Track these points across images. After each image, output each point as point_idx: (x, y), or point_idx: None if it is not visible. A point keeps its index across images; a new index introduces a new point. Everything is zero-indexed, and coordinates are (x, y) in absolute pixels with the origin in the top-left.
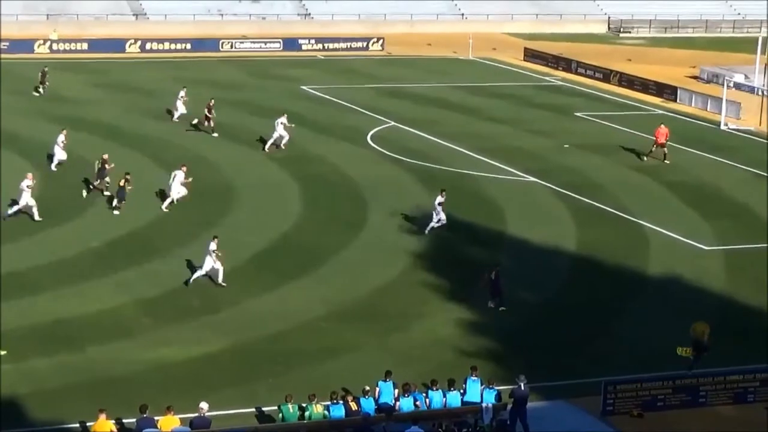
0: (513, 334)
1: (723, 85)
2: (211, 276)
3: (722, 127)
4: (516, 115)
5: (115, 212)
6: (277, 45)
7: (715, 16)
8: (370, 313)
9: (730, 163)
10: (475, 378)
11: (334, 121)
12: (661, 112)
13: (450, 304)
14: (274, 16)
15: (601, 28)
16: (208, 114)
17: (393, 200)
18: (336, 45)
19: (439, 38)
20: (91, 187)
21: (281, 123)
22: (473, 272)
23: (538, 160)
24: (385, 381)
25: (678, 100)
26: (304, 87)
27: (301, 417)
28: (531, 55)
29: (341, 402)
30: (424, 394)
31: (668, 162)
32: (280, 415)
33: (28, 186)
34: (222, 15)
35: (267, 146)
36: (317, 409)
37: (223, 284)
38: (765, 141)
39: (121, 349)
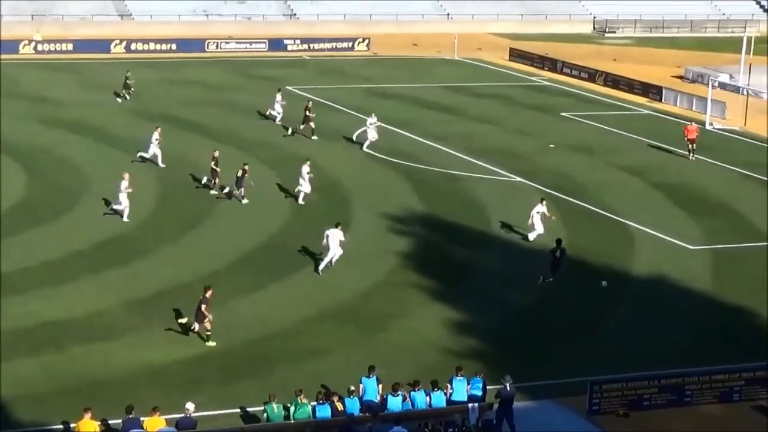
0: (499, 334)
1: (708, 85)
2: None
3: (707, 126)
4: (501, 115)
5: (245, 201)
6: (263, 45)
7: (700, 16)
8: (356, 313)
9: (715, 162)
10: (461, 378)
11: (319, 122)
12: (646, 112)
13: (436, 304)
14: (260, 17)
15: (587, 28)
16: (307, 114)
17: (379, 200)
18: (321, 45)
19: (425, 38)
20: (207, 181)
21: (372, 124)
22: (458, 272)
23: (524, 161)
24: (368, 377)
25: (663, 100)
26: (289, 87)
27: (287, 417)
28: (516, 55)
29: (327, 402)
30: (405, 394)
31: (693, 159)
32: (265, 414)
33: (125, 187)
34: (207, 15)
35: (364, 147)
36: (303, 401)
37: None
38: (750, 141)
39: (107, 351)
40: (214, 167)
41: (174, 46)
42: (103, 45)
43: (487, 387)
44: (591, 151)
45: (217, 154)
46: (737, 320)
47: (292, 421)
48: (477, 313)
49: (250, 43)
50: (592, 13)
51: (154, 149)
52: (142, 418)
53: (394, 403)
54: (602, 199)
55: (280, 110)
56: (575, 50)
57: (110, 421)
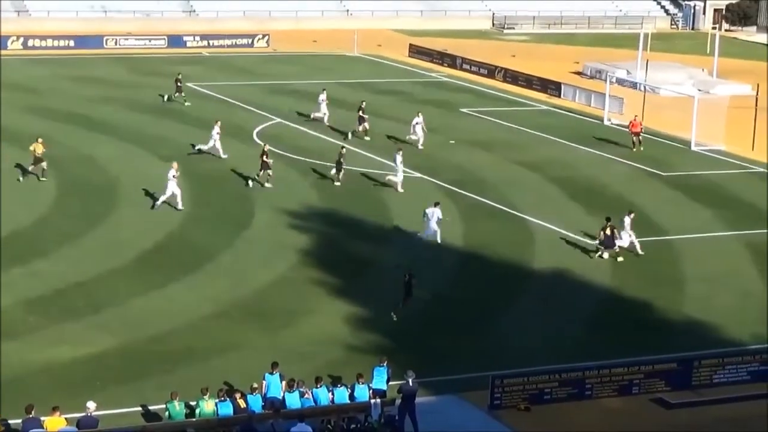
0: (401, 329)
1: (606, 80)
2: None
3: (605, 122)
4: (401, 111)
5: (268, 185)
6: (162, 42)
7: (598, 12)
8: (258, 310)
9: (613, 158)
10: (382, 365)
11: (219, 118)
12: (545, 107)
13: (338, 300)
14: (159, 13)
15: (486, 25)
16: (362, 115)
17: (280, 197)
18: (221, 42)
19: (325, 35)
20: (255, 177)
21: (417, 123)
22: (359, 268)
23: (425, 157)
24: (272, 373)
25: (562, 96)
26: (189, 84)
27: (190, 414)
28: (416, 51)
29: (228, 399)
30: (306, 390)
31: (641, 149)
32: (167, 413)
33: (173, 176)
34: (106, 12)
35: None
36: (208, 406)
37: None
38: (646, 136)
39: (7, 350)
40: (265, 160)
41: (72, 43)
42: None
43: (390, 380)
44: (491, 146)
45: (267, 148)
46: (636, 314)
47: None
48: (379, 308)
49: (149, 40)
50: (491, 10)
51: (214, 143)
52: (42, 418)
53: (292, 400)
54: (502, 194)
55: (326, 110)
56: (474, 46)
57: (10, 421)
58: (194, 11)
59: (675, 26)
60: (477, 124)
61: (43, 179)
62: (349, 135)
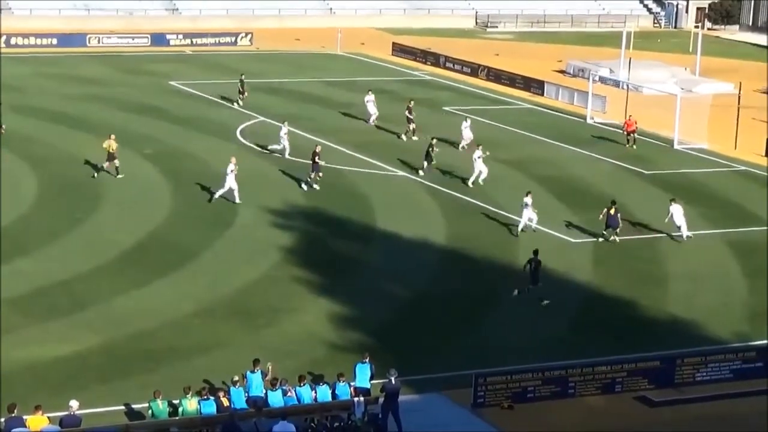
0: (384, 327)
1: (588, 79)
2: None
3: (588, 120)
4: (384, 110)
5: (315, 186)
6: (145, 40)
7: (581, 11)
8: (241, 309)
9: (596, 156)
10: (365, 362)
11: (202, 117)
12: (528, 106)
13: (321, 299)
14: (142, 12)
15: (469, 23)
16: (408, 116)
17: (263, 196)
18: (204, 40)
19: (308, 33)
20: (309, 179)
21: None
22: (342, 266)
23: (408, 155)
24: (253, 371)
25: (545, 94)
26: (172, 82)
27: (173, 413)
28: (399, 49)
29: (212, 398)
30: (288, 388)
31: (635, 147)
32: (150, 411)
33: (231, 170)
34: (89, 10)
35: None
36: (191, 405)
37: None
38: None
39: None
40: (316, 161)
41: (55, 41)
42: None
43: (373, 378)
44: (473, 145)
45: (318, 149)
46: (618, 312)
47: (177, 418)
48: (362, 307)
49: (133, 38)
50: (474, 8)
51: (284, 143)
52: (25, 417)
53: (275, 398)
54: (485, 193)
55: (375, 110)
56: (458, 45)
57: None
58: (177, 9)
59: (658, 25)
60: (460, 123)
61: (120, 176)
62: (403, 137)
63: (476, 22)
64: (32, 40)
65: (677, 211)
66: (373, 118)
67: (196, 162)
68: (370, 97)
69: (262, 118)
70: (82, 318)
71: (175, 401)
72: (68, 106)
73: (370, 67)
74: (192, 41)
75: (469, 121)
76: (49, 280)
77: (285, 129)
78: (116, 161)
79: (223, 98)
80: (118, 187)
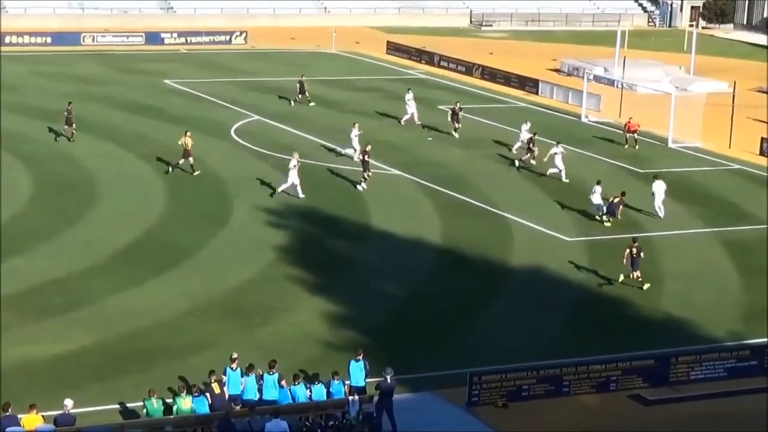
0: (379, 326)
1: (583, 78)
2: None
3: (583, 119)
4: (380, 108)
5: (364, 185)
6: (140, 39)
7: (575, 10)
8: (236, 307)
9: (590, 155)
10: (358, 359)
11: (197, 115)
12: (523, 104)
13: (316, 297)
14: (137, 10)
15: (464, 22)
16: (453, 116)
17: (257, 195)
18: (199, 39)
19: (303, 32)
20: (363, 178)
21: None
22: (338, 265)
23: (403, 154)
24: (232, 369)
25: (540, 93)
26: (167, 81)
27: (167, 411)
28: (394, 48)
29: (203, 393)
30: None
31: (636, 148)
32: (145, 410)
33: (294, 165)
34: (83, 9)
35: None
36: (185, 404)
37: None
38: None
39: None
40: (366, 159)
41: (49, 40)
42: None
43: (368, 377)
44: (468, 143)
45: (368, 148)
46: (613, 311)
47: (172, 416)
48: (357, 306)
49: (127, 37)
50: (469, 7)
51: (354, 145)
52: (19, 416)
53: (283, 395)
54: (480, 191)
55: (414, 110)
56: (452, 44)
57: None
58: (172, 8)
59: (652, 23)
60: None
61: (196, 173)
62: (457, 134)
63: (471, 21)
64: (27, 39)
65: (659, 189)
66: (406, 117)
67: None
68: (410, 96)
69: (256, 117)
70: (77, 317)
71: (169, 400)
72: (63, 104)
73: (364, 65)
74: (186, 40)
75: (411, 93)
76: (44, 279)
77: (355, 131)
78: (191, 158)
79: (280, 97)
80: (113, 186)
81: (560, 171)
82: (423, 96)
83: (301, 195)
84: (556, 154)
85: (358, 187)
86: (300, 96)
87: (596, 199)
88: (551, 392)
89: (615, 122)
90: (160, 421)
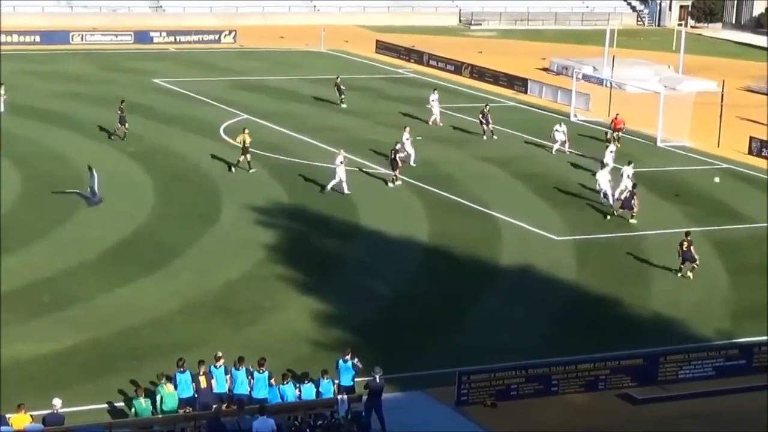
0: (368, 325)
1: (572, 77)
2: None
3: (572, 118)
4: (369, 107)
5: (397, 183)
6: (129, 38)
7: (564, 9)
8: (224, 306)
9: (579, 153)
10: (346, 360)
11: (186, 114)
12: (512, 103)
13: (305, 296)
14: (126, 9)
15: (453, 21)
16: (482, 119)
17: (246, 193)
18: (188, 38)
19: (292, 31)
20: (394, 176)
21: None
22: (326, 264)
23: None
24: (216, 367)
25: (529, 92)
26: (155, 80)
27: (153, 404)
28: (383, 47)
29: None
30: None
31: (618, 146)
32: (133, 409)
33: (341, 161)
34: (72, 7)
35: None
36: (168, 388)
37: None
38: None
39: None
40: (396, 158)
41: (38, 38)
42: None
43: (356, 376)
44: (457, 142)
45: (398, 146)
46: (601, 310)
47: (160, 416)
48: (345, 305)
49: (116, 36)
50: (458, 6)
51: (408, 149)
52: (8, 415)
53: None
54: (469, 190)
55: (438, 112)
56: (441, 42)
57: None
58: (161, 7)
59: (641, 23)
60: (443, 120)
61: (252, 170)
62: (485, 137)
63: (460, 20)
64: (15, 38)
65: (626, 174)
66: (434, 118)
67: (179, 159)
68: (434, 96)
69: (245, 116)
70: (66, 315)
71: (155, 387)
72: (52, 103)
73: (353, 64)
74: (176, 39)
75: (436, 94)
76: (34, 278)
77: (406, 135)
78: (248, 155)
79: (317, 98)
80: (102, 185)
81: (563, 143)
82: (412, 95)
83: (346, 191)
84: (557, 131)
85: (390, 185)
86: (340, 97)
87: (603, 181)
88: (540, 391)
89: (605, 121)
90: (148, 420)
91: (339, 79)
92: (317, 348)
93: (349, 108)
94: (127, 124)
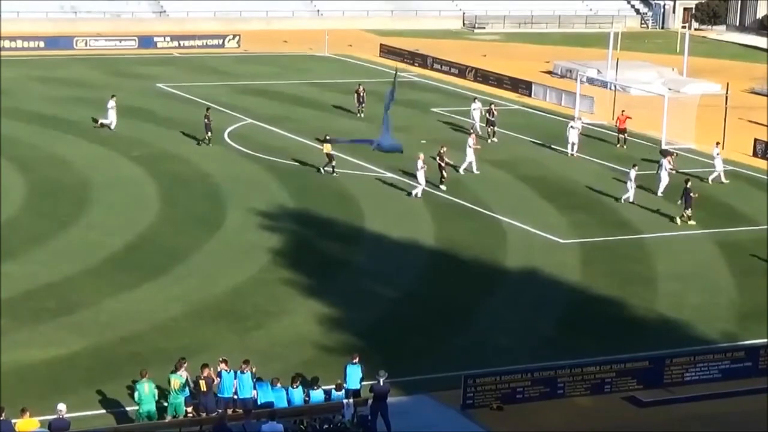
0: (373, 329)
1: (576, 80)
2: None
3: (576, 121)
4: (373, 111)
5: (442, 187)
6: (133, 43)
7: (568, 12)
8: (230, 311)
9: (584, 156)
10: (355, 363)
11: (190, 119)
12: (516, 107)
13: (310, 300)
14: (129, 14)
15: (457, 24)
16: (490, 117)
17: (251, 198)
18: (192, 42)
19: (296, 35)
20: (443, 179)
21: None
22: (331, 267)
23: (396, 156)
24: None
25: (533, 95)
26: (160, 85)
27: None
28: (387, 51)
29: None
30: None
31: (625, 148)
32: (137, 393)
33: (421, 167)
34: (76, 13)
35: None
36: (175, 383)
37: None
38: (617, 135)
39: None
40: (441, 163)
41: (42, 44)
42: None
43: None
44: (462, 146)
45: (443, 150)
46: (607, 312)
47: (166, 420)
48: (350, 308)
49: (120, 41)
50: (462, 10)
51: (474, 118)
52: (13, 420)
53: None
54: (474, 193)
55: (477, 118)
56: (445, 46)
57: None
58: (164, 12)
59: (645, 25)
60: (448, 124)
61: (334, 175)
62: (489, 140)
63: (464, 23)
64: (19, 43)
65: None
66: (476, 125)
67: (183, 164)
68: (476, 105)
69: (250, 120)
70: (70, 321)
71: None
72: (56, 108)
73: (357, 68)
74: (179, 44)
75: (479, 102)
76: (37, 283)
77: (476, 105)
78: (333, 162)
79: (335, 107)
80: (106, 189)
81: (573, 145)
82: (416, 99)
83: (419, 196)
84: (572, 128)
85: (442, 186)
86: (360, 106)
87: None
88: (546, 394)
89: (609, 124)
90: (153, 424)
91: (361, 87)
92: (322, 352)
93: (353, 112)
94: (211, 133)
